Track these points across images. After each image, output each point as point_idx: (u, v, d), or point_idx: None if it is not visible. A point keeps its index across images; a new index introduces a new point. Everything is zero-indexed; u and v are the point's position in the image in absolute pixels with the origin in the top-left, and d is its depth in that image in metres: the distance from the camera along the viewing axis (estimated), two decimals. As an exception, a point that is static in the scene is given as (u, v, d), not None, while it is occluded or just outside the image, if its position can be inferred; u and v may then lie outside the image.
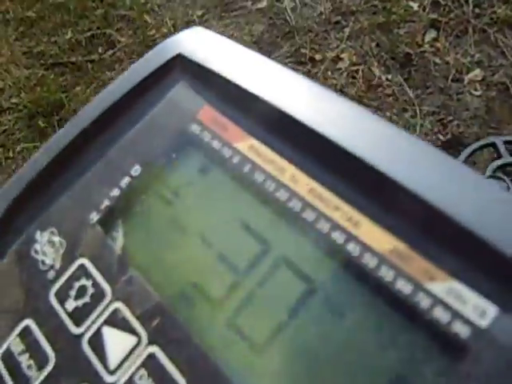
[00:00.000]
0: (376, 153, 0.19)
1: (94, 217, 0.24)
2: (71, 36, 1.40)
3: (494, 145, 0.98)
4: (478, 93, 1.12)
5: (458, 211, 0.17)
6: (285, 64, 1.25)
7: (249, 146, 0.22)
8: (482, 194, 0.17)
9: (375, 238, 0.18)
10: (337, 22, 1.31)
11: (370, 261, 0.18)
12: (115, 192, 0.24)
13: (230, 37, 1.33)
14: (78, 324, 0.21)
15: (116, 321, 0.21)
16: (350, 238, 0.18)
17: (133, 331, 0.20)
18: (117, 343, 0.20)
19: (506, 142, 0.98)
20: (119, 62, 1.32)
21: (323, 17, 1.32)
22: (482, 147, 0.98)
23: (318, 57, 1.25)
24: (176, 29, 1.35)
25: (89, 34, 1.40)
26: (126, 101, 0.26)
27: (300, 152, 0.21)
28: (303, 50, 1.27)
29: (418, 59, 1.19)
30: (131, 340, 0.20)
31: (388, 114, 1.11)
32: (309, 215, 0.20)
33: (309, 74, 1.22)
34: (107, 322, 0.21)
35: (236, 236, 0.21)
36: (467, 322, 0.16)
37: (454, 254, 0.17)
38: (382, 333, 0.17)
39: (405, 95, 1.15)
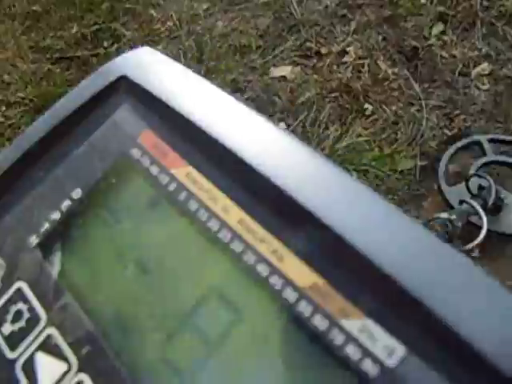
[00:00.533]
0: (305, 189, 0.19)
1: (34, 240, 0.24)
2: (77, 30, 1.40)
3: (478, 143, 0.97)
4: (485, 87, 1.11)
5: (376, 252, 0.17)
6: (290, 58, 1.25)
7: (186, 174, 0.22)
8: (402, 236, 0.18)
9: (297, 273, 0.19)
10: (343, 16, 1.30)
11: (290, 295, 0.18)
12: (55, 215, 0.24)
13: (236, 30, 1.32)
14: (13, 348, 0.21)
15: (49, 347, 0.21)
16: (274, 271, 0.19)
17: (64, 358, 0.20)
18: (48, 369, 0.20)
19: (490, 141, 0.98)
20: (124, 56, 1.33)
21: (329, 10, 1.31)
22: (466, 145, 0.98)
23: (323, 50, 1.24)
24: (181, 22, 1.35)
25: (94, 28, 1.40)
26: (69, 122, 0.26)
27: (233, 182, 0.21)
28: (309, 44, 1.26)
29: (424, 53, 1.18)
30: (62, 367, 0.20)
31: (394, 108, 1.10)
32: (237, 246, 0.20)
33: (314, 68, 1.22)
34: (40, 348, 0.21)
35: (170, 265, 0.21)
36: (376, 360, 0.16)
37: (369, 293, 0.17)
38: (300, 367, 0.18)
39: (411, 89, 1.14)
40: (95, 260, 0.23)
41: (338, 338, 0.17)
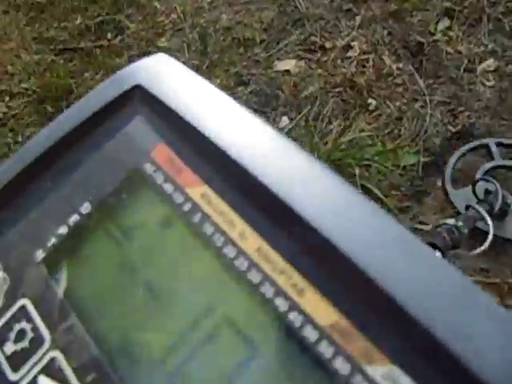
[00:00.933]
0: (330, 221, 0.18)
1: (40, 255, 0.23)
2: (81, 21, 1.40)
3: (486, 146, 0.96)
4: (490, 83, 1.10)
5: (405, 293, 0.16)
6: (294, 52, 1.24)
7: (201, 194, 0.21)
8: (431, 274, 0.17)
9: (318, 309, 0.17)
10: (348, 10, 1.29)
11: (310, 334, 0.17)
12: (62, 230, 0.23)
13: (240, 23, 1.32)
14: (15, 370, 0.21)
15: (52, 371, 0.20)
16: (293, 306, 0.18)
17: None
18: None
19: (498, 144, 0.97)
20: (128, 49, 1.32)
21: (334, 4, 1.30)
22: (474, 148, 0.97)
23: (328, 45, 1.24)
24: (185, 15, 1.34)
25: (98, 19, 1.39)
26: (80, 131, 0.24)
27: (252, 207, 0.20)
28: (313, 38, 1.26)
29: (430, 48, 1.17)
30: None
31: (398, 103, 1.10)
32: (254, 276, 0.19)
33: (318, 62, 1.21)
34: (43, 371, 0.20)
35: (182, 290, 0.20)
36: None
37: (396, 337, 0.16)
38: None
39: (415, 85, 1.13)
40: (103, 279, 0.22)
41: None
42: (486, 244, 0.54)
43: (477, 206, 0.63)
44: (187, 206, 0.21)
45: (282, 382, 0.17)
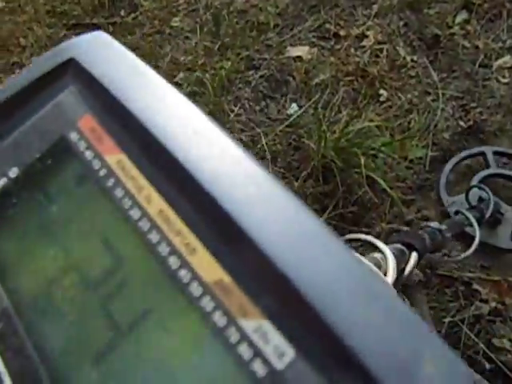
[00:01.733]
0: (226, 188, 0.20)
1: None
2: (95, -3, 1.39)
3: (483, 154, 0.95)
4: (505, 80, 1.08)
5: (282, 255, 0.18)
6: (308, 38, 1.22)
7: (117, 161, 0.23)
8: (312, 241, 0.18)
9: (205, 267, 0.19)
10: (365, -2, 1.27)
11: (196, 290, 0.19)
12: None
13: (255, 7, 1.30)
14: None
15: None
16: (184, 264, 0.20)
17: None
18: None
19: (495, 153, 0.95)
20: (140, 27, 1.31)
21: (351, -8, 1.28)
22: (470, 156, 0.96)
23: (342, 33, 1.22)
24: (200, -4, 1.33)
25: (112, -5, 1.38)
26: (15, 102, 0.26)
27: (160, 173, 0.22)
28: (328, 25, 1.24)
29: (446, 41, 1.15)
30: None
31: (409, 95, 1.08)
32: (153, 237, 0.21)
33: (331, 50, 1.19)
34: None
35: (93, 250, 0.22)
36: (266, 361, 0.17)
37: (270, 294, 0.18)
38: (195, 362, 0.18)
39: (429, 78, 1.11)
40: (23, 239, 0.23)
41: (233, 337, 0.18)
42: (470, 250, 0.54)
43: (466, 212, 0.63)
44: (103, 172, 0.23)
45: (166, 336, 0.19)
